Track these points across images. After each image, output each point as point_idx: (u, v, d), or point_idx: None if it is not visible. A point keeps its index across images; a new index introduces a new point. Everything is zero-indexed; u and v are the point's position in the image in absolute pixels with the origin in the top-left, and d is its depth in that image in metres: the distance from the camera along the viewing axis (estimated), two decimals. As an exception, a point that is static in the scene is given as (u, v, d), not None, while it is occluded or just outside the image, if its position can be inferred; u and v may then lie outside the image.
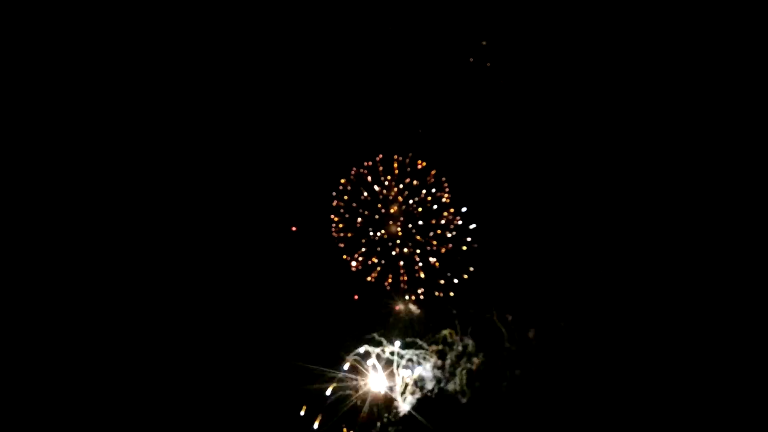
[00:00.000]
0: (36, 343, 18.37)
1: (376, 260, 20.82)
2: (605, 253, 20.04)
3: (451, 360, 19.35)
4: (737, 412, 17.35)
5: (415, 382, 18.90)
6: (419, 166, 20.76)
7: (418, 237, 20.68)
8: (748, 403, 17.34)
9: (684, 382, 18.04)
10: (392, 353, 19.05)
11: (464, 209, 20.29)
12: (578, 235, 20.10)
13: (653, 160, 19.57)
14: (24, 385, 17.89)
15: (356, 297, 20.36)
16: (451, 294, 20.45)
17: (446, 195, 20.51)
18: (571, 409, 18.38)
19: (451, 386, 18.98)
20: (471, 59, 21.56)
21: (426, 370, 18.99)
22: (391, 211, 20.82)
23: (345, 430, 18.20)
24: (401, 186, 20.66)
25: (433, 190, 20.52)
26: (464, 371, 19.07)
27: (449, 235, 20.52)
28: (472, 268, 20.34)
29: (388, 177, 20.88)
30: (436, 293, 20.54)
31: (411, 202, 20.57)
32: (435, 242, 20.60)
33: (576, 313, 19.67)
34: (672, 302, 19.03)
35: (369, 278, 20.92)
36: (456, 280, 20.38)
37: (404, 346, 19.24)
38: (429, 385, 18.92)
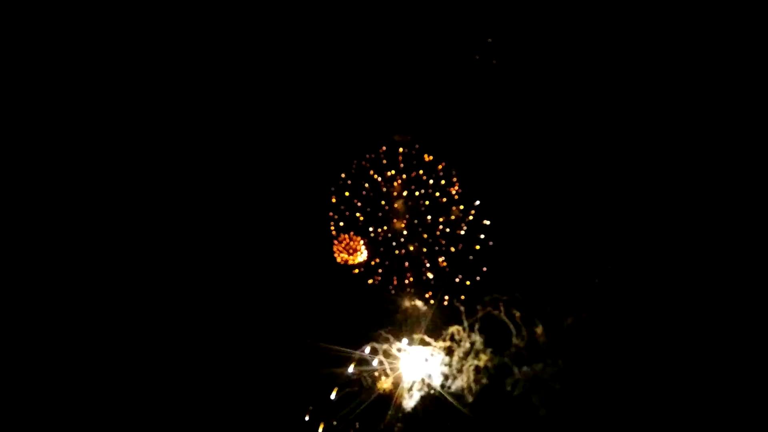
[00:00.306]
0: (35, 342, 17.41)
1: (379, 260, 18.96)
2: (622, 250, 18.73)
3: (459, 357, 17.89)
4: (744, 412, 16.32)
5: (422, 379, 17.64)
6: (426, 159, 19.30)
7: (425, 235, 18.97)
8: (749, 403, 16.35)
9: (697, 382, 16.92)
10: (399, 350, 17.66)
11: (477, 202, 18.76)
12: (595, 231, 18.75)
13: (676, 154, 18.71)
14: (24, 385, 16.97)
15: (360, 296, 18.38)
16: (462, 297, 18.61)
17: (456, 188, 18.96)
18: (579, 408, 17.25)
19: (458, 383, 17.67)
20: (477, 56, 20.83)
21: (433, 366, 17.73)
22: (396, 206, 19.15)
23: None
24: (404, 176, 19.08)
25: (442, 182, 18.99)
26: (472, 368, 17.69)
27: (460, 232, 18.86)
28: (485, 268, 18.64)
29: (392, 171, 19.34)
30: (445, 297, 18.66)
31: (417, 194, 18.96)
32: (444, 240, 18.90)
33: (586, 311, 18.20)
34: (690, 302, 17.72)
35: (371, 281, 19.00)
36: (468, 282, 18.60)
37: (411, 344, 17.81)
38: (436, 382, 17.68)
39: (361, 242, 18.55)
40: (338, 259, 18.86)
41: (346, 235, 18.51)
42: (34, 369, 17.03)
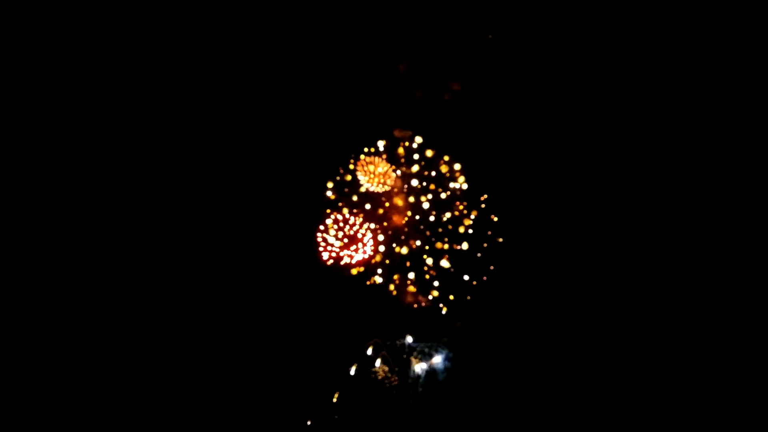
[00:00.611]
0: (35, 343, 16.84)
1: (379, 259, 17.83)
2: (634, 252, 18.13)
3: (463, 352, 17.48)
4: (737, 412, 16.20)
5: (427, 375, 17.12)
6: (429, 155, 18.44)
7: (428, 233, 17.99)
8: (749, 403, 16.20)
9: (688, 383, 16.79)
10: (403, 345, 17.05)
11: (485, 197, 17.89)
12: (607, 230, 18.11)
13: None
14: (24, 385, 16.40)
15: (361, 295, 17.21)
16: (468, 298, 17.60)
17: (460, 183, 18.08)
18: (578, 407, 16.92)
19: (462, 378, 17.27)
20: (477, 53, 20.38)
21: (438, 362, 17.25)
22: (396, 202, 18.19)
23: None
24: (404, 169, 18.18)
25: (447, 175, 18.12)
26: (475, 364, 17.41)
27: (463, 230, 17.93)
28: (492, 267, 17.70)
29: (393, 166, 18.41)
30: (450, 297, 17.63)
31: (419, 187, 18.03)
32: (447, 239, 17.93)
33: (588, 311, 17.78)
34: (693, 309, 17.48)
35: (369, 282, 17.83)
36: (474, 282, 17.61)
37: (416, 339, 17.23)
38: (440, 377, 17.25)
39: (363, 228, 17.44)
40: (327, 256, 17.62)
41: (336, 216, 17.42)
42: (34, 369, 16.47)
